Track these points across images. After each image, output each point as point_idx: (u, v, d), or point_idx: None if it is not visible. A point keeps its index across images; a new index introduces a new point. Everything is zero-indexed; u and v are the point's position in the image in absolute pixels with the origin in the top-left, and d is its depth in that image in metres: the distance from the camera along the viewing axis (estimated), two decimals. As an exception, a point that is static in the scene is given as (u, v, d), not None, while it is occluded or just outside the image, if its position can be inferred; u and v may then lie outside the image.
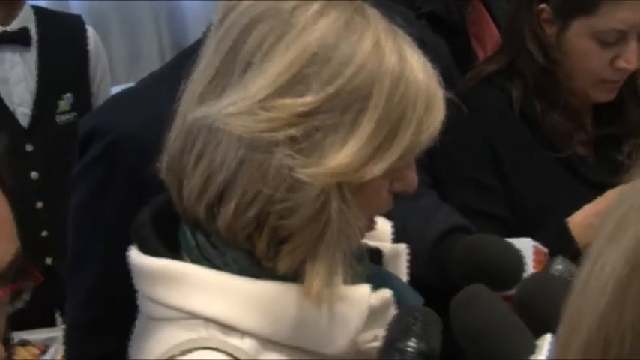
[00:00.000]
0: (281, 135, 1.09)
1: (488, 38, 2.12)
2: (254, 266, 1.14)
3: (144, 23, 3.87)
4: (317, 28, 1.11)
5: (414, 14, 2.02)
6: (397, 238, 1.38)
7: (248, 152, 1.10)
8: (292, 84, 1.09)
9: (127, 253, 1.19)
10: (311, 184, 1.09)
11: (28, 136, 2.66)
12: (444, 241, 1.72)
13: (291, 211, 1.10)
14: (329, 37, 1.11)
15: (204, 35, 1.21)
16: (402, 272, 1.34)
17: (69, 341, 1.60)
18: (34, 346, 2.46)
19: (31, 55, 2.69)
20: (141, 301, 1.19)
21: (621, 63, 1.84)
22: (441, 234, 1.75)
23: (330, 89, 1.09)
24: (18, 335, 2.48)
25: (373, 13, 1.16)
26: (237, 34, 1.13)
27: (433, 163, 1.91)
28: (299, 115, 1.09)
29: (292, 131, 1.09)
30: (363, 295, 1.15)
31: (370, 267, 1.25)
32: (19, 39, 2.66)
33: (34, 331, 2.49)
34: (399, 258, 1.34)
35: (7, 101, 2.65)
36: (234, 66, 1.12)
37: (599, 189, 1.79)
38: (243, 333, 1.12)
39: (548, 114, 1.88)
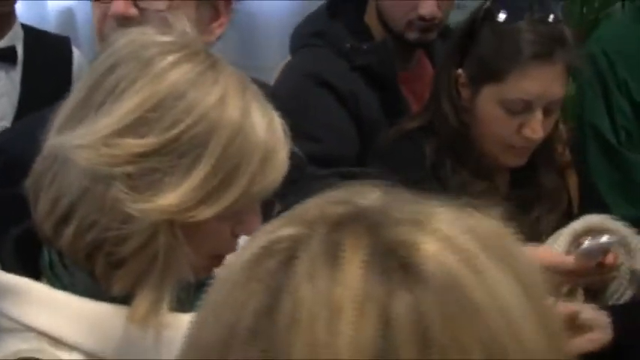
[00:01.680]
0: (118, 171, 1.19)
1: (426, 93, 2.19)
2: (94, 287, 1.24)
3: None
4: (168, 78, 1.22)
5: (349, 66, 2.12)
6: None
7: (90, 183, 1.20)
8: (136, 126, 1.20)
9: None
10: (141, 218, 1.19)
11: (6, 148, 2.79)
12: None
13: (123, 240, 1.20)
14: (178, 87, 1.22)
15: None
16: None
17: None
18: None
19: (16, 73, 2.78)
20: None
21: (527, 132, 1.92)
22: None
23: (170, 134, 1.20)
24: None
25: (227, 70, 1.26)
26: (100, 73, 1.25)
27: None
28: (137, 155, 1.20)
29: (129, 168, 1.19)
30: (186, 323, 1.25)
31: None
32: (6, 57, 2.76)
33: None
34: None
35: None
36: (92, 102, 1.24)
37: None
38: (71, 347, 1.22)
39: (458, 173, 1.96)
